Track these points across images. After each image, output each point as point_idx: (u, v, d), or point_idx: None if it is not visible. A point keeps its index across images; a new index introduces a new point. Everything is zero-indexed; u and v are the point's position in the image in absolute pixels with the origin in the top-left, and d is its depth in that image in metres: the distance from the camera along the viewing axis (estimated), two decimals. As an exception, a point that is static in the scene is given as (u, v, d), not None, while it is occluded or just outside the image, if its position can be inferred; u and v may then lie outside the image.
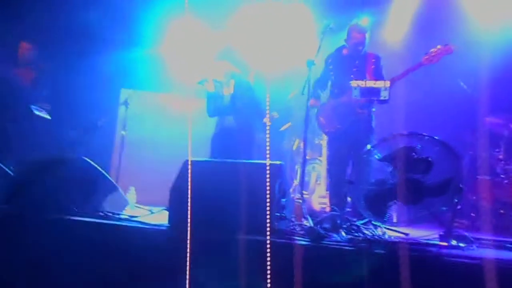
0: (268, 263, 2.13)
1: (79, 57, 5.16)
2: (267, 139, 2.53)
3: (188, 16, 4.27)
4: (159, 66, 5.26)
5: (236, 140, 3.99)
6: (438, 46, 3.23)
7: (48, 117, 4.53)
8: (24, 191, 3.18)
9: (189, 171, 2.68)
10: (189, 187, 2.63)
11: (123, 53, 5.27)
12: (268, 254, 2.15)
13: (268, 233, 2.29)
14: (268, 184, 2.46)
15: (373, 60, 3.67)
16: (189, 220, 2.50)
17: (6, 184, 3.37)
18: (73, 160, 3.22)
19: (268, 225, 2.26)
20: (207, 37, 5.13)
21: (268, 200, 2.47)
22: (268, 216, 2.32)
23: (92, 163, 3.30)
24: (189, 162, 2.78)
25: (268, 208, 2.39)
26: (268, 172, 2.55)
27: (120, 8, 5.20)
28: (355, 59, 3.70)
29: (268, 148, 2.45)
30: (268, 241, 2.25)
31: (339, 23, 3.98)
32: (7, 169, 3.57)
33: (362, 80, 3.34)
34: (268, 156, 2.45)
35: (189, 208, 2.53)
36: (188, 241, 2.34)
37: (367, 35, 3.74)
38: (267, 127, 4.06)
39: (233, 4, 5.19)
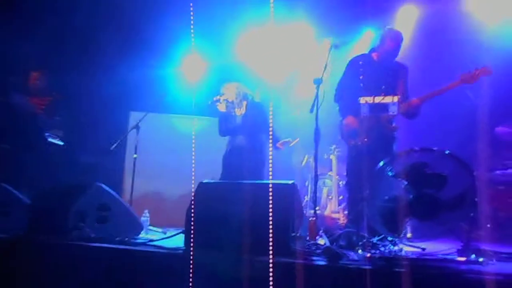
0: (284, 284, 2.14)
1: (89, 83, 5.27)
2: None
3: (195, 52, 4.38)
4: (169, 88, 5.35)
5: (247, 158, 4.04)
6: (478, 69, 3.06)
7: (61, 143, 4.61)
8: (41, 219, 3.23)
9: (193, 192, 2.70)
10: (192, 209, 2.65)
11: (131, 75, 5.37)
12: (280, 275, 2.15)
13: (285, 254, 2.31)
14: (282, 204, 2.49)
15: (404, 71, 3.44)
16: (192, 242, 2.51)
17: (23, 212, 3.43)
18: (89, 186, 3.27)
19: (285, 246, 2.27)
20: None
21: (283, 220, 2.49)
22: (285, 237, 2.33)
23: (107, 188, 3.35)
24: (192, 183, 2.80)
25: (284, 229, 2.42)
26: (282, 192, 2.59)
27: (129, 31, 5.32)
28: (388, 69, 3.40)
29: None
30: (285, 263, 2.27)
31: (343, 39, 4.02)
32: (22, 197, 3.63)
33: (371, 96, 3.26)
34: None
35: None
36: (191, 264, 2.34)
37: (401, 44, 3.42)
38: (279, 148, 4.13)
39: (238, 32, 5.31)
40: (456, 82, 3.11)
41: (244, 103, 4.12)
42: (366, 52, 3.65)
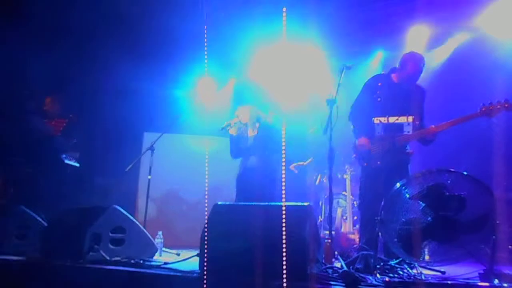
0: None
1: (104, 105, 5.39)
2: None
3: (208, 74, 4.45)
4: (183, 108, 5.44)
5: (259, 179, 4.02)
6: (501, 102, 2.98)
7: (77, 164, 4.68)
8: (57, 241, 3.25)
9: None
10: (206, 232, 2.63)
11: (145, 97, 5.48)
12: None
13: (302, 278, 2.27)
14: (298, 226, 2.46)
15: (422, 93, 3.42)
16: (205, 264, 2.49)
17: (39, 233, 3.46)
18: (104, 209, 3.29)
19: (302, 269, 2.23)
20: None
21: (299, 243, 2.46)
22: (301, 261, 2.30)
23: (122, 210, 3.37)
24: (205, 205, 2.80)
25: (300, 252, 2.38)
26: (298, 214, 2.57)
27: (144, 54, 5.45)
28: (408, 92, 3.36)
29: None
30: (302, 287, 2.23)
31: (354, 60, 4.04)
32: (39, 219, 3.68)
33: (386, 116, 3.26)
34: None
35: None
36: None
37: (423, 67, 3.39)
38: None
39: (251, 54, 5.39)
40: (475, 114, 3.06)
41: (257, 125, 4.15)
42: (385, 72, 3.63)
